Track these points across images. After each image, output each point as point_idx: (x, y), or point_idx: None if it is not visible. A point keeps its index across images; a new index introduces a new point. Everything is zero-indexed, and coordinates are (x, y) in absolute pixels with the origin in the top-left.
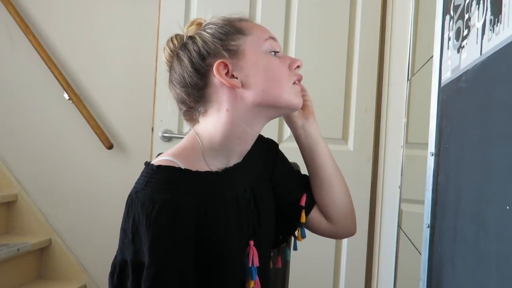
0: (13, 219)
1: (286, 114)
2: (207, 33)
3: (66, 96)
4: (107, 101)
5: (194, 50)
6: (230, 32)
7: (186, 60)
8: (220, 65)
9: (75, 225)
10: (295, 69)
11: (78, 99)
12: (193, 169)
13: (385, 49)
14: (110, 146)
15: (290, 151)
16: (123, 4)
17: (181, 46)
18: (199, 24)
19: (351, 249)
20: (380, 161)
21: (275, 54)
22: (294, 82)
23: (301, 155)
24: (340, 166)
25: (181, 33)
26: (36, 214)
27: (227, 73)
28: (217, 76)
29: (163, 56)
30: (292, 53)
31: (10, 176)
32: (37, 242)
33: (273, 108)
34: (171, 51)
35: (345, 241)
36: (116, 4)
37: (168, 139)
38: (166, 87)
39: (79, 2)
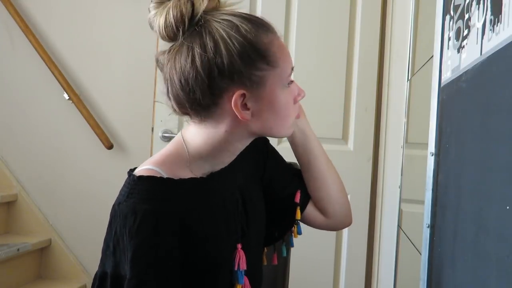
0: (13, 219)
1: None
2: (233, 45)
3: (66, 96)
4: (107, 101)
5: (215, 61)
6: (258, 60)
7: (198, 64)
8: (240, 97)
9: (75, 225)
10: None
11: (78, 99)
12: (176, 177)
13: (385, 49)
14: (110, 146)
15: (290, 151)
16: (123, 4)
17: (193, 32)
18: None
19: (351, 249)
20: (380, 161)
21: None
22: None
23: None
24: (340, 166)
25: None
26: (36, 214)
27: (241, 102)
28: (232, 106)
29: (160, 21)
30: (292, 53)
31: (10, 176)
32: (37, 242)
33: (267, 135)
34: (176, 24)
35: (345, 240)
36: (116, 4)
37: (168, 139)
38: None
39: (79, 2)
